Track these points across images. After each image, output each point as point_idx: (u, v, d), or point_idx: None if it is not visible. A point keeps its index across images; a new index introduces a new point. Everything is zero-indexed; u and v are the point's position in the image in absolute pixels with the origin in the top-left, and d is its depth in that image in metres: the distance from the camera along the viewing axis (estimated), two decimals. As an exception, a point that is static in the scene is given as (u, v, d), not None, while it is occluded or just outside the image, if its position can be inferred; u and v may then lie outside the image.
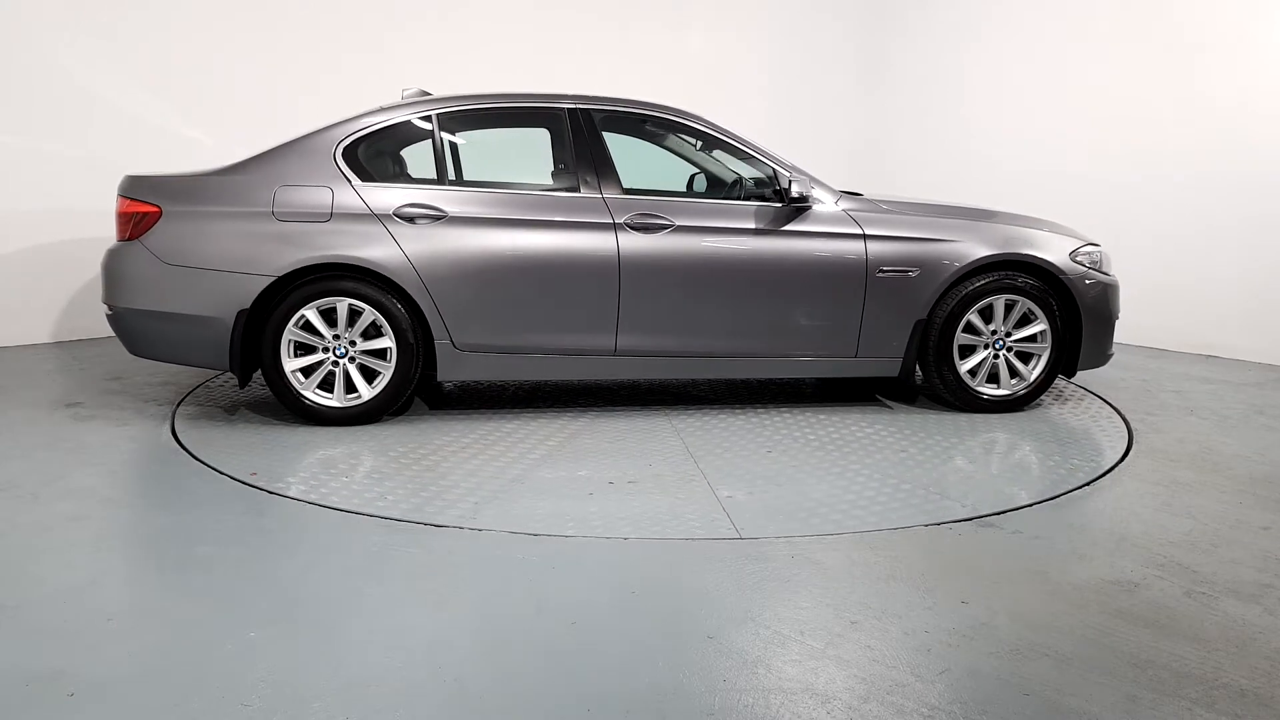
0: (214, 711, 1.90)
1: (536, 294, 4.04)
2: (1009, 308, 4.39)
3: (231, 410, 4.24)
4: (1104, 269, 4.59)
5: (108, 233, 4.27)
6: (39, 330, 5.68)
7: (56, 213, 5.56)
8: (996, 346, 4.44)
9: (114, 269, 3.92)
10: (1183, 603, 2.52)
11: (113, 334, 4.10)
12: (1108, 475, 3.63)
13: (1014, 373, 4.48)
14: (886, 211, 4.38)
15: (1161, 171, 6.49)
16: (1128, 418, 4.50)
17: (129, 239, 3.86)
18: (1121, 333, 6.65)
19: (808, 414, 4.43)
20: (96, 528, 2.93)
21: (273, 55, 6.16)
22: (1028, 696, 2.04)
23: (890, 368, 4.40)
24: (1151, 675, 2.14)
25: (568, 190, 4.14)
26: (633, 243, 4.08)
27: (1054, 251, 4.41)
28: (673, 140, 4.60)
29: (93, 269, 5.09)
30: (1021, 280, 4.36)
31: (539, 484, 3.36)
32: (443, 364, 4.03)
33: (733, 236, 4.20)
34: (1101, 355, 4.58)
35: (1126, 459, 3.85)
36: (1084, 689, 2.08)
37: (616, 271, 4.06)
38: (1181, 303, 6.44)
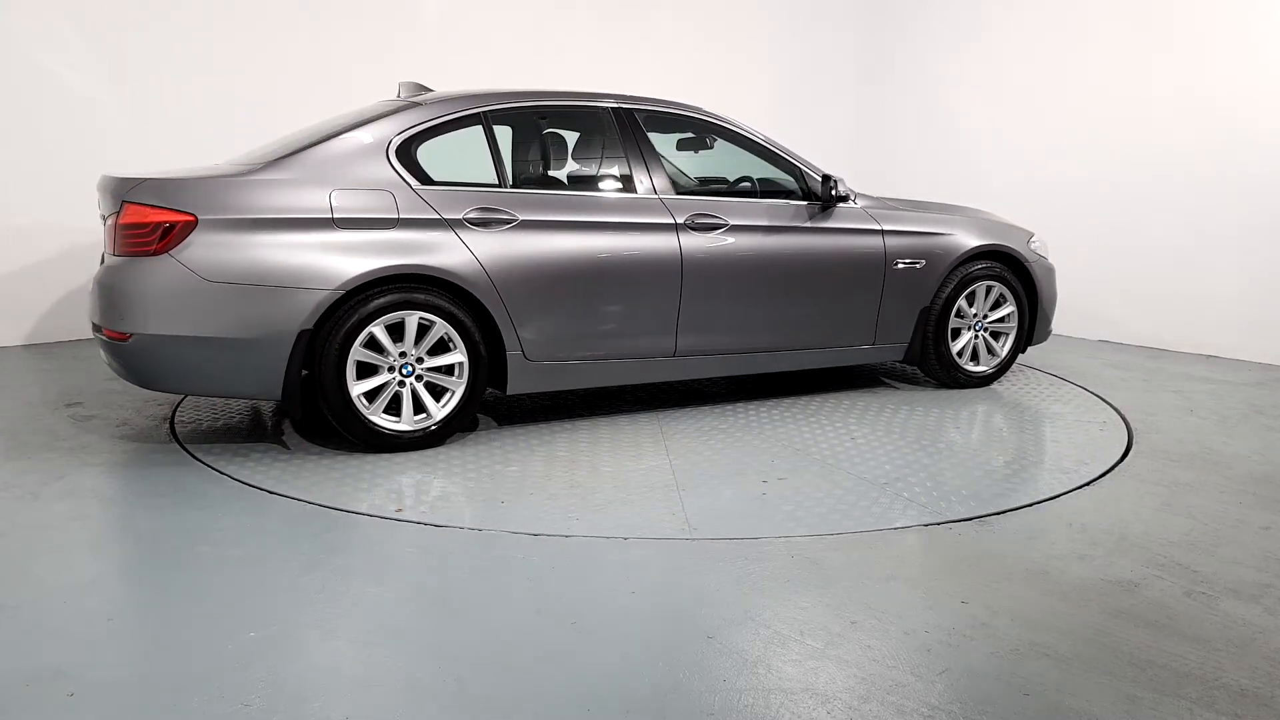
0: (214, 711, 1.90)
1: (606, 298, 3.96)
2: (986, 293, 4.90)
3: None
4: (1045, 255, 5.16)
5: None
6: (38, 330, 5.68)
7: (54, 210, 5.55)
8: (977, 328, 4.94)
9: (131, 289, 3.32)
10: (1183, 603, 2.52)
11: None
12: (1108, 475, 3.63)
13: (989, 350, 5.01)
14: (893, 208, 4.75)
15: (1161, 172, 6.50)
16: (1128, 418, 4.50)
17: (154, 252, 3.29)
18: (1122, 333, 6.71)
19: (838, 400, 4.72)
20: (96, 528, 2.93)
21: (265, 53, 6.14)
22: (1028, 696, 2.04)
23: (898, 352, 4.81)
24: (1151, 675, 2.14)
25: (624, 191, 4.09)
26: (693, 243, 4.09)
27: (1018, 241, 4.99)
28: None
29: (91, 267, 5.08)
30: (996, 268, 4.87)
31: (699, 486, 3.36)
32: (513, 377, 3.80)
33: (780, 234, 4.34)
34: (1046, 332, 5.19)
35: (1126, 459, 3.85)
36: (1084, 689, 2.08)
37: (679, 272, 4.06)
38: (1181, 303, 6.44)
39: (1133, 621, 2.40)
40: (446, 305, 3.59)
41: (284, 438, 3.80)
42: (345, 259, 3.44)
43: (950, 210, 4.98)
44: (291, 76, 6.17)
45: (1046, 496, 3.35)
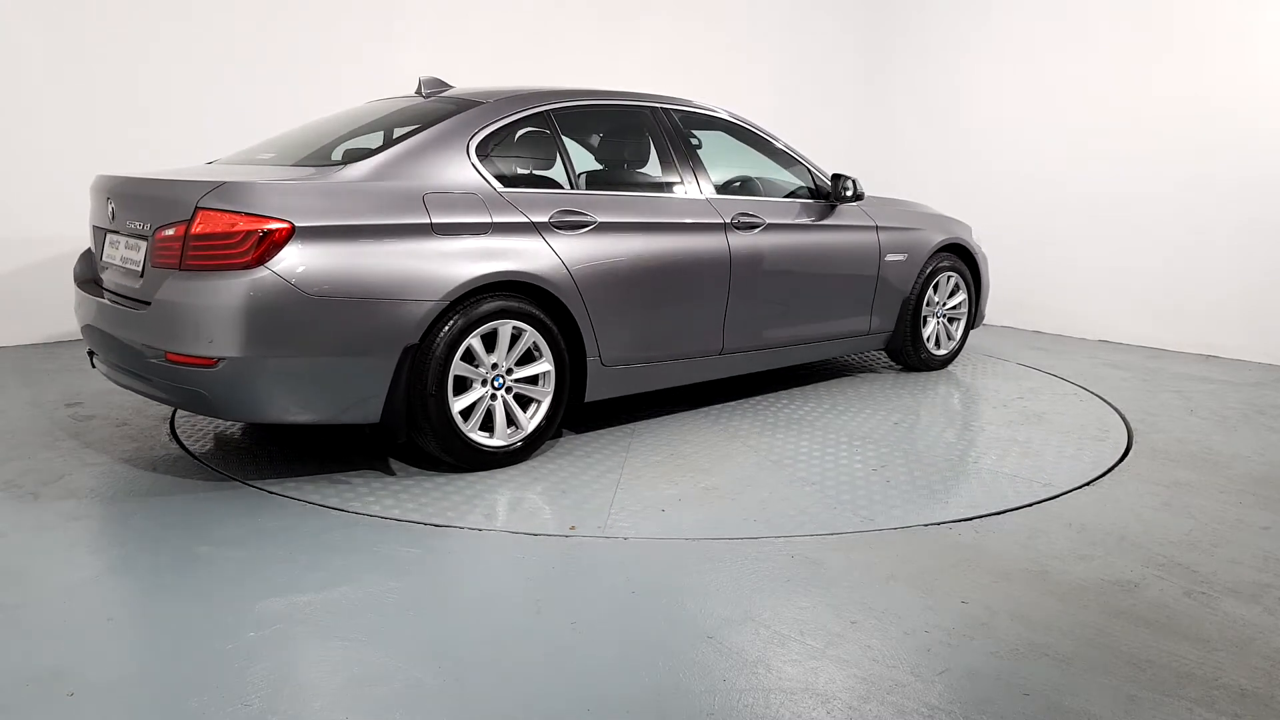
0: (214, 711, 1.90)
1: (672, 299, 3.96)
2: (946, 282, 5.34)
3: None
4: (980, 246, 5.66)
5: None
6: (39, 329, 5.68)
7: (53, 210, 5.55)
8: (940, 316, 5.39)
9: (221, 307, 2.91)
10: (1183, 603, 2.52)
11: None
12: (1108, 475, 3.63)
13: (948, 335, 5.50)
14: (878, 206, 5.03)
15: (1161, 172, 6.50)
16: (1128, 418, 4.50)
17: (247, 265, 2.92)
18: (1122, 333, 6.71)
19: (840, 388, 4.98)
20: (96, 528, 2.93)
21: (261, 49, 6.14)
22: (1028, 696, 2.04)
23: (882, 341, 5.16)
24: (1151, 675, 2.14)
25: (677, 192, 4.10)
26: (738, 241, 4.17)
27: (967, 234, 5.48)
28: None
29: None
30: (954, 260, 5.33)
31: (823, 479, 3.47)
32: (592, 383, 3.72)
33: (803, 232, 4.53)
34: (982, 316, 5.69)
35: (1126, 459, 3.85)
36: (1084, 689, 2.08)
37: (728, 271, 4.12)
38: (1181, 303, 6.44)
39: (1133, 621, 2.40)
40: (536, 312, 3.45)
41: (390, 463, 3.55)
42: (447, 266, 3.22)
43: (901, 205, 5.34)
44: (284, 74, 6.16)
45: (1046, 496, 3.35)
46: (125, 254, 3.34)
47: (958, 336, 5.54)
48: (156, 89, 5.79)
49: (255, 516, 2.99)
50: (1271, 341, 6.02)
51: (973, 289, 5.50)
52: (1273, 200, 5.95)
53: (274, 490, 3.21)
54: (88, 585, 2.50)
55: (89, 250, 3.75)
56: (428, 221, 3.24)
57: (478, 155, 3.50)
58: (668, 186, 4.12)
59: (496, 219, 3.41)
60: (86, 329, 3.55)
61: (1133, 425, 4.36)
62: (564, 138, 3.85)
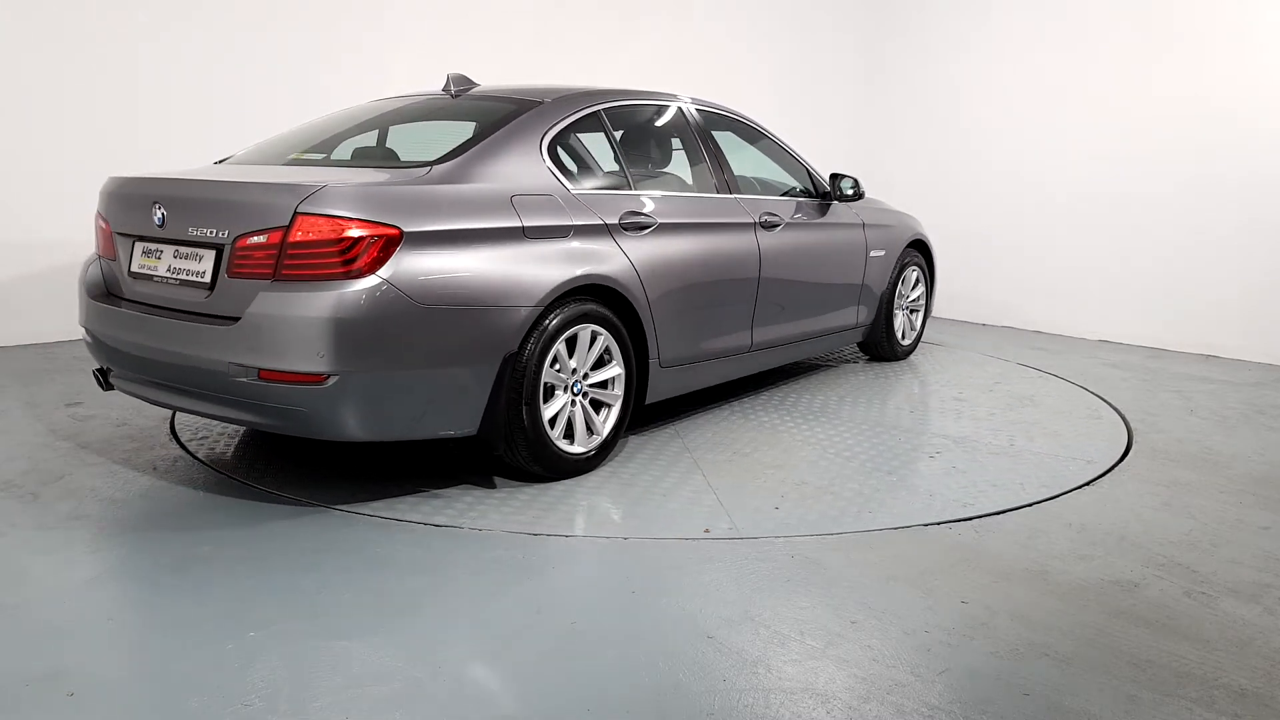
0: (214, 711, 1.90)
1: (716, 298, 3.99)
2: (911, 276, 5.63)
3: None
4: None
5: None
6: (38, 330, 5.67)
7: (52, 210, 5.55)
8: (906, 308, 5.66)
9: (333, 319, 2.71)
10: (1183, 603, 2.52)
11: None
12: (1108, 475, 3.63)
13: (911, 326, 5.75)
14: (860, 204, 5.17)
15: (1161, 172, 6.50)
16: (1128, 418, 4.51)
17: (356, 273, 2.76)
18: (1121, 333, 6.71)
19: (834, 382, 5.02)
20: (96, 528, 2.93)
21: (260, 49, 6.14)
22: (1028, 696, 2.04)
23: (862, 334, 5.36)
24: (1151, 675, 2.14)
25: (713, 191, 4.15)
26: (765, 240, 4.27)
27: (923, 229, 5.73)
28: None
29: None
30: (917, 256, 5.61)
31: (900, 469, 3.63)
32: (652, 385, 3.69)
33: (810, 230, 4.68)
34: (931, 309, 6.00)
35: (1126, 459, 3.85)
36: (1084, 689, 2.08)
37: (758, 269, 4.21)
38: (1181, 303, 6.44)
39: (1133, 621, 2.40)
40: (610, 315, 3.40)
41: (493, 476, 3.41)
42: (541, 270, 3.15)
43: (874, 203, 5.45)
44: (284, 74, 6.16)
45: (1046, 496, 3.35)
46: (177, 264, 3.06)
47: (918, 327, 5.80)
48: (156, 89, 5.79)
49: (255, 516, 2.99)
50: (1271, 341, 6.02)
51: (929, 282, 5.79)
52: (1273, 200, 5.95)
53: (273, 490, 3.21)
54: (88, 585, 2.50)
55: (99, 259, 3.46)
56: (520, 225, 3.16)
57: (549, 155, 3.45)
58: (706, 186, 4.18)
59: (575, 221, 3.36)
60: (105, 347, 3.29)
61: (1133, 425, 4.36)
62: (615, 136, 3.86)
